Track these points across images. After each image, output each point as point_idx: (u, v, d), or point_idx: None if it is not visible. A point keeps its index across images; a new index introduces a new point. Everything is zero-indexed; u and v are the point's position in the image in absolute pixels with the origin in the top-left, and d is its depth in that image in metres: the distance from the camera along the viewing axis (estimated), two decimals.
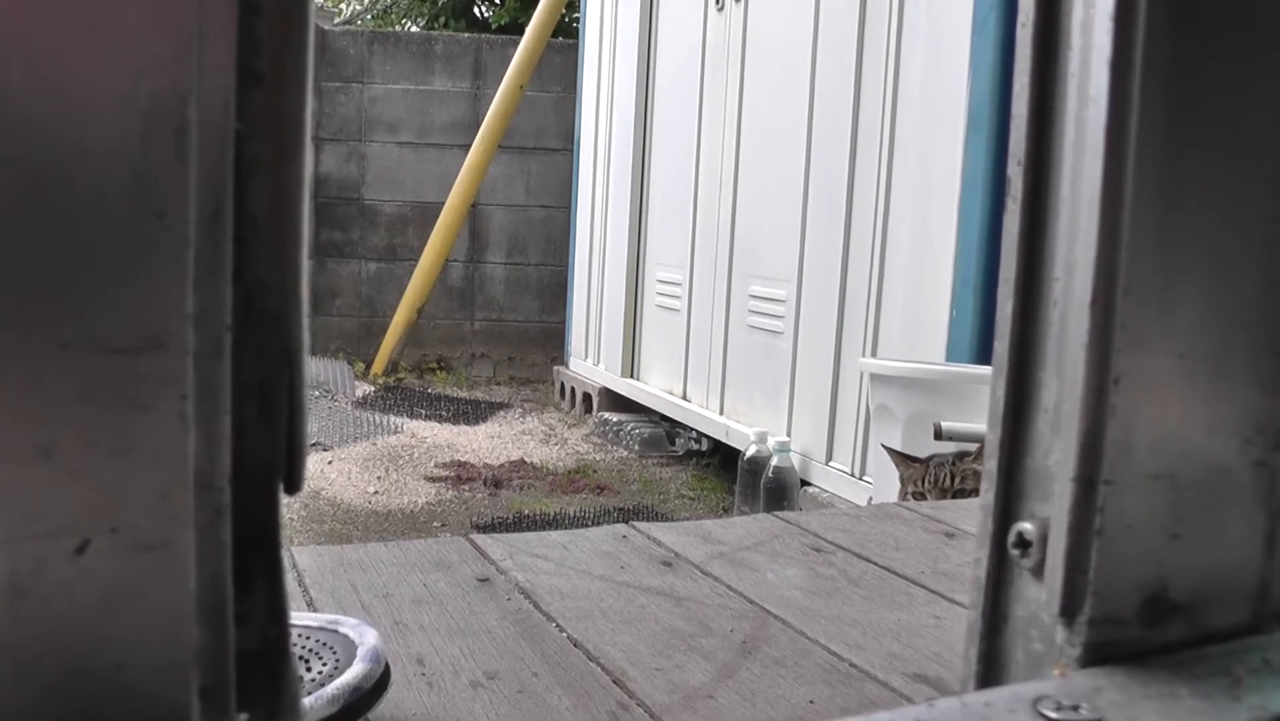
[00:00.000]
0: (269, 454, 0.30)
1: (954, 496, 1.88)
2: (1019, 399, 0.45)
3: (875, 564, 1.19)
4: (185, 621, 0.29)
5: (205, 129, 0.28)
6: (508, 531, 3.09)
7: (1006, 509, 0.45)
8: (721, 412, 3.80)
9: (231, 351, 0.29)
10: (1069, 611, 0.42)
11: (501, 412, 4.84)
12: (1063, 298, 0.43)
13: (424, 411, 4.71)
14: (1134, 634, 0.42)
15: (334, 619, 0.78)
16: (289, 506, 3.18)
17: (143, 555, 0.28)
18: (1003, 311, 0.45)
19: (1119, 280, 0.42)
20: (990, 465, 0.45)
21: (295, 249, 0.30)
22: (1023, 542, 0.44)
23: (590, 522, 3.23)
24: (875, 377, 2.44)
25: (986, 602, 0.45)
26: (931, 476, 1.92)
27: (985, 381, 2.41)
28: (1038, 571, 0.44)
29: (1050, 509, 0.44)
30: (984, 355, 2.56)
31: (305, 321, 0.30)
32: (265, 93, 0.29)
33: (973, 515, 1.43)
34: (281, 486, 0.31)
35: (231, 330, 0.29)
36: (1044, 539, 0.44)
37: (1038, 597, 0.43)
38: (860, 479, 3.00)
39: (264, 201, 0.30)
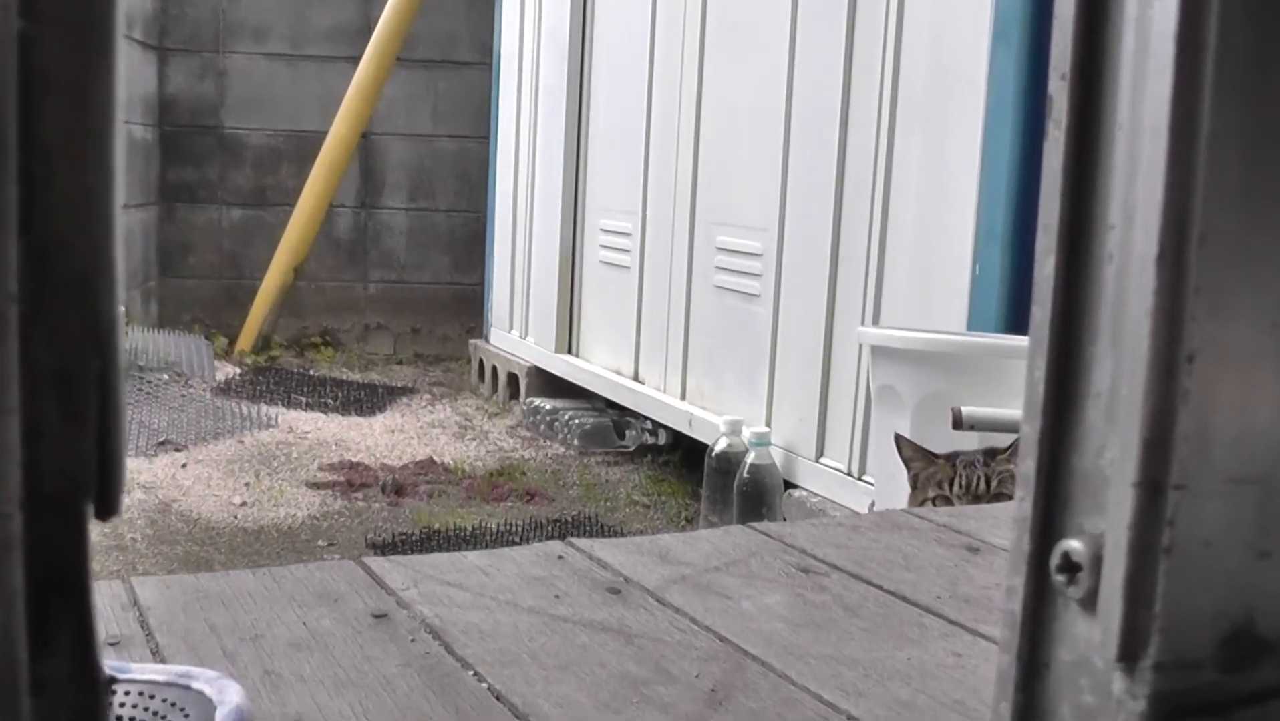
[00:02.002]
0: (74, 467, 0.29)
1: (990, 502, 1.90)
2: (1064, 381, 0.44)
3: (879, 587, 1.20)
4: None
5: None
6: (412, 552, 3.08)
7: (1048, 523, 0.45)
8: (683, 397, 3.81)
9: (20, 330, 0.28)
10: (1129, 654, 0.42)
11: (404, 399, 4.82)
12: (1120, 251, 0.42)
13: (305, 399, 4.67)
14: (1212, 680, 0.42)
15: (186, 671, 0.77)
16: (129, 523, 3.14)
17: None
18: (1042, 269, 0.44)
19: (1192, 228, 0.41)
20: (1027, 466, 0.44)
21: (104, 192, 0.28)
22: (1069, 566, 0.44)
23: (517, 539, 3.22)
24: (878, 352, 2.46)
25: (1023, 643, 0.44)
26: (961, 480, 1.94)
27: (1017, 355, 2.39)
28: (1089, 603, 0.44)
29: (1104, 522, 0.43)
30: (1015, 323, 2.58)
31: (119, 290, 0.28)
32: None
33: (1001, 523, 1.45)
34: (91, 509, 0.29)
35: (19, 302, 0.28)
36: (1097, 561, 0.43)
37: (1089, 636, 0.43)
38: (859, 479, 3.02)
39: (61, 128, 0.28)
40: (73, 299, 0.29)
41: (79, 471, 0.29)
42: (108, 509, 0.30)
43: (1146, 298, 0.41)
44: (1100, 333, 0.43)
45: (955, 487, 1.95)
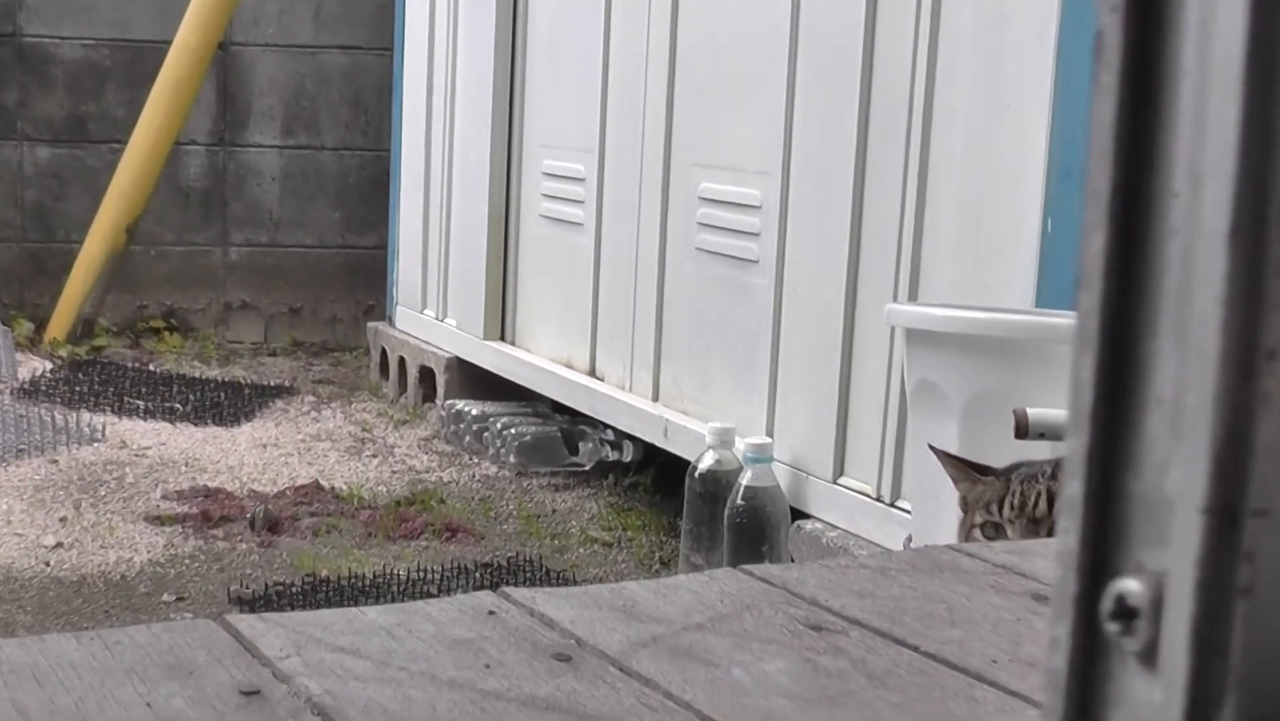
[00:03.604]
0: None
1: (1054, 529, 1.93)
2: (1117, 385, 0.47)
3: (914, 649, 1.22)
4: None
5: None
6: (292, 607, 3.09)
7: (1099, 559, 0.48)
8: (656, 398, 3.84)
9: None
10: (1200, 715, 0.45)
11: (280, 403, 4.82)
12: (1186, 224, 0.45)
13: (143, 403, 4.66)
14: None
15: None
16: None
17: None
18: (1090, 246, 0.47)
19: (1273, 198, 0.44)
20: (1073, 489, 0.48)
21: None
22: (1125, 611, 0.47)
23: (435, 589, 3.24)
24: (916, 336, 2.49)
25: (1069, 708, 0.47)
26: (1015, 498, 1.96)
27: None
28: (1148, 656, 0.47)
29: (1168, 557, 0.46)
30: None
31: None
32: None
33: None
34: None
35: None
36: (1158, 604, 0.46)
37: (1148, 698, 0.46)
38: (891, 505, 3.06)
39: None
40: None
41: None
42: None
43: (1217, 282, 0.44)
44: (1161, 325, 0.46)
45: (1007, 509, 1.96)
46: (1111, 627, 0.48)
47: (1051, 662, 0.49)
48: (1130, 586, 0.48)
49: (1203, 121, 0.46)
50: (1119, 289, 0.47)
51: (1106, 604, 0.48)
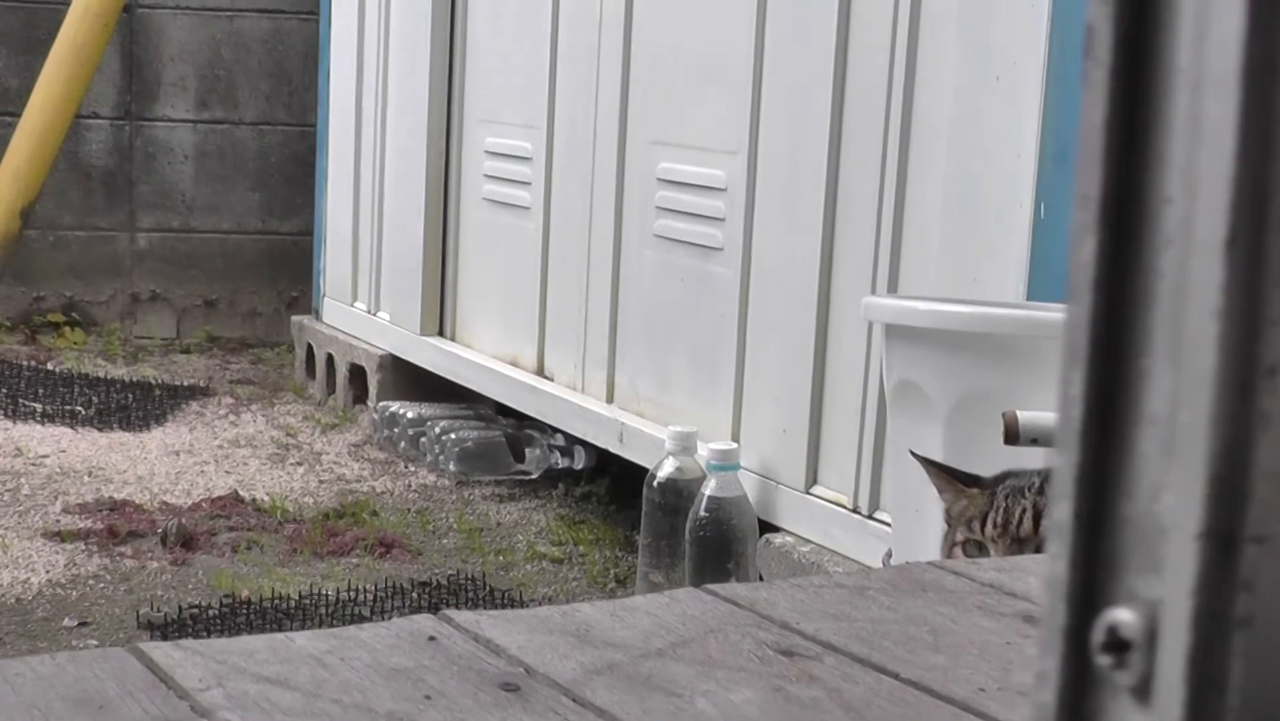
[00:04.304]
0: None
1: (1040, 550, 1.93)
2: (1107, 403, 0.49)
3: (896, 676, 1.23)
4: None
5: None
6: (210, 632, 3.09)
7: (1089, 587, 0.49)
8: (610, 400, 3.85)
9: None
10: None
11: (194, 406, 4.81)
12: (1180, 233, 0.47)
13: (39, 406, 4.65)
14: None
15: None
16: None
17: None
18: (1079, 254, 0.48)
19: (1273, 205, 0.45)
20: (1062, 513, 0.49)
21: None
22: (1117, 644, 0.48)
23: (368, 612, 3.25)
24: (896, 333, 2.50)
25: None
26: (999, 515, 1.97)
27: None
28: (1142, 690, 0.48)
29: (1162, 585, 0.48)
30: None
31: None
32: None
33: None
34: None
35: None
36: (1152, 636, 0.48)
37: None
38: (869, 517, 3.08)
39: None
40: None
41: None
42: None
43: (1213, 294, 0.46)
44: (1154, 339, 0.47)
45: (989, 527, 1.97)
46: (1103, 660, 0.49)
47: (1039, 697, 0.51)
48: (1123, 616, 0.49)
49: (1198, 123, 0.47)
50: (1109, 301, 0.49)
51: (1098, 635, 0.49)
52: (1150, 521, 0.49)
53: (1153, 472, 0.49)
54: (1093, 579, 0.50)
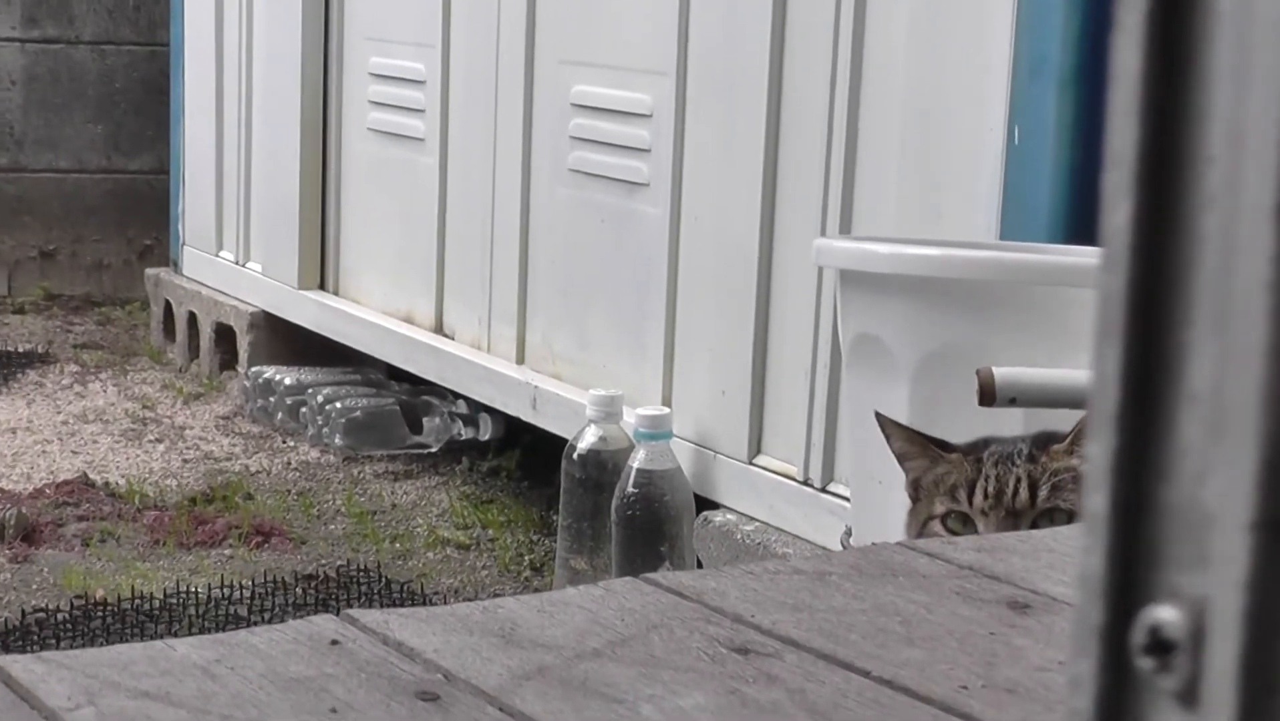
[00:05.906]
0: None
1: (1037, 524, 1.94)
2: (1146, 380, 0.50)
3: (866, 674, 1.25)
4: None
5: None
6: (59, 639, 3.06)
7: (1128, 583, 0.50)
8: (521, 360, 3.85)
9: None
10: None
11: (32, 374, 4.78)
12: (1224, 194, 0.48)
13: None
14: None
15: None
16: None
17: None
18: (1113, 219, 0.49)
19: None
20: (1097, 503, 0.51)
21: None
22: (1160, 645, 0.49)
23: (248, 611, 3.24)
24: (851, 279, 2.51)
25: None
26: (989, 484, 1.97)
27: (1082, 280, 2.35)
28: (1188, 695, 0.49)
29: (1209, 580, 0.49)
30: (1081, 227, 2.62)
31: None
32: None
33: (1064, 561, 1.49)
34: None
35: None
36: (1198, 636, 0.49)
37: None
38: (822, 490, 3.09)
39: None
40: None
41: None
42: None
43: (1262, 263, 0.47)
44: (1197, 311, 0.49)
45: (979, 497, 1.98)
46: (1144, 663, 0.50)
47: (1074, 704, 0.52)
48: (1165, 615, 0.50)
49: (1244, 74, 0.48)
50: (1147, 269, 0.50)
51: (1138, 636, 0.51)
52: (1194, 509, 0.50)
53: (1196, 456, 0.50)
54: (1132, 574, 0.51)
